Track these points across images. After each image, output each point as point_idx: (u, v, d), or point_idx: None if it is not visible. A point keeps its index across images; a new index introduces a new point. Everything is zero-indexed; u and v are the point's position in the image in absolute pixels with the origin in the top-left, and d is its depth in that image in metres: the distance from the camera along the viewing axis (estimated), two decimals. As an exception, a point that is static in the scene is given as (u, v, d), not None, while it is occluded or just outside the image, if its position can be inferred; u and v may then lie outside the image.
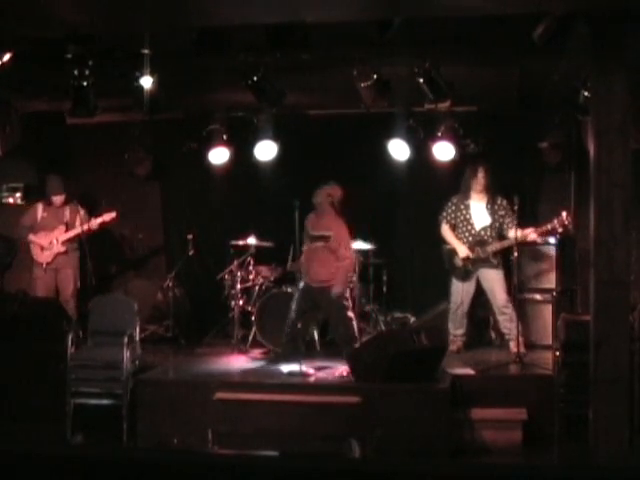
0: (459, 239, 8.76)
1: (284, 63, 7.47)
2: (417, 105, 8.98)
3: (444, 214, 8.83)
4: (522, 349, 8.41)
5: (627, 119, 6.17)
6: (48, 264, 9.39)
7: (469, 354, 8.69)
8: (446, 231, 8.82)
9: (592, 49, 6.27)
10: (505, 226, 8.61)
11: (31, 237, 9.46)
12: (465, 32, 6.92)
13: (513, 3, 6.14)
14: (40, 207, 9.54)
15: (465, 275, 8.70)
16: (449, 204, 8.83)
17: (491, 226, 8.68)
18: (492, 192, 8.72)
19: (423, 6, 6.24)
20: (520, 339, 8.40)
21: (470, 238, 8.72)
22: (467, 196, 8.76)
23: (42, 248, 9.41)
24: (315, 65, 7.72)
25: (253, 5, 6.09)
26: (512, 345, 8.52)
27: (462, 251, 8.68)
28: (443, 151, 9.11)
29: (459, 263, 8.71)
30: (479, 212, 8.72)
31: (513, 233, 8.42)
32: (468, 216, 8.74)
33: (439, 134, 9.08)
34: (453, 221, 8.80)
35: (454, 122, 9.06)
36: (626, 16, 6.03)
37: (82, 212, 9.52)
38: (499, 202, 8.68)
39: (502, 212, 8.65)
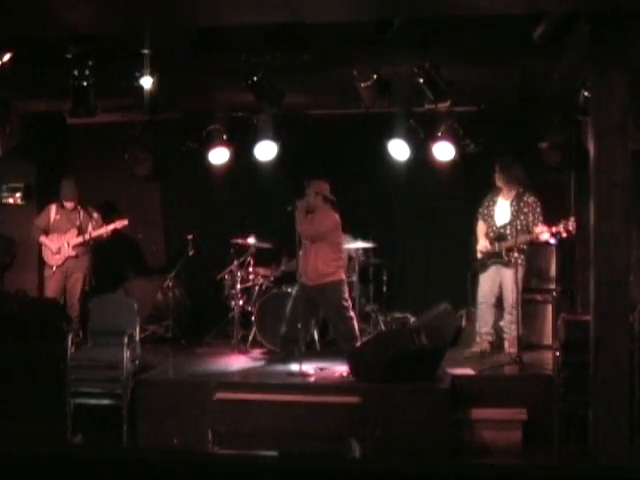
0: (485, 234, 8.73)
1: (284, 63, 7.46)
2: (417, 105, 8.97)
3: (480, 209, 8.82)
4: (514, 349, 8.45)
5: (627, 119, 6.17)
6: (58, 267, 9.41)
7: (482, 355, 8.67)
8: (478, 227, 8.80)
9: (592, 49, 6.27)
10: (530, 223, 8.53)
11: (43, 239, 9.46)
12: (465, 32, 6.92)
13: (513, 3, 6.13)
14: (54, 209, 9.54)
15: (481, 267, 8.69)
16: (485, 200, 8.81)
17: (511, 223, 8.57)
18: (520, 188, 8.66)
19: (423, 6, 6.24)
20: (515, 341, 8.44)
21: (492, 234, 8.70)
22: (497, 192, 8.75)
23: (52, 251, 9.42)
24: (315, 65, 7.71)
25: (253, 5, 6.09)
26: (506, 345, 8.59)
27: (483, 245, 8.67)
28: (443, 151, 9.11)
29: (479, 256, 8.72)
30: (502, 209, 8.68)
31: (537, 230, 8.42)
32: (492, 212, 8.72)
33: (439, 134, 9.09)
34: (484, 217, 8.79)
35: (454, 122, 9.06)
36: (626, 16, 6.03)
37: (96, 216, 9.56)
38: (525, 199, 8.58)
39: (527, 209, 8.56)
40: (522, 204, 8.62)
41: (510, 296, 8.57)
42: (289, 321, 8.29)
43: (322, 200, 8.29)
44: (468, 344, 8.85)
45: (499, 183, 8.69)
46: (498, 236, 8.66)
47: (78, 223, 9.44)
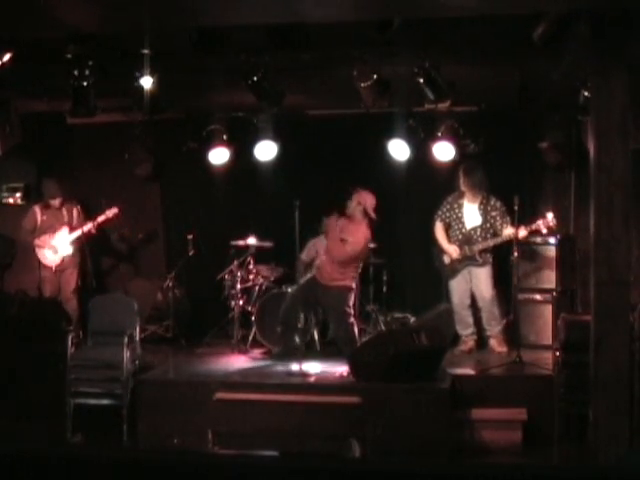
0: (450, 237, 8.88)
1: (284, 63, 7.47)
2: (417, 105, 8.97)
3: (439, 212, 8.95)
4: (504, 347, 8.62)
5: (627, 119, 6.17)
6: (57, 266, 9.42)
7: (469, 354, 8.71)
8: (438, 231, 8.93)
9: (592, 49, 6.27)
10: (498, 227, 8.70)
11: (37, 242, 9.47)
12: (465, 32, 6.92)
13: (513, 3, 6.13)
14: (38, 210, 9.56)
15: (452, 273, 8.83)
16: (444, 203, 8.96)
17: (481, 226, 8.77)
18: (485, 192, 8.78)
19: (423, 6, 6.24)
20: (501, 337, 8.69)
21: (460, 236, 8.85)
22: (460, 195, 8.88)
23: (52, 251, 9.42)
24: (315, 65, 7.72)
25: (253, 5, 6.09)
26: (492, 343, 8.69)
27: (453, 251, 8.80)
28: (443, 151, 9.12)
29: (447, 261, 8.84)
30: (471, 212, 8.83)
31: (507, 231, 8.55)
32: (460, 215, 8.86)
33: (439, 134, 9.09)
34: (447, 220, 8.91)
35: (454, 122, 9.06)
36: (626, 16, 6.03)
37: (78, 208, 9.60)
38: (492, 203, 8.77)
39: (494, 213, 8.73)
40: (489, 207, 8.78)
41: (486, 293, 8.72)
42: (284, 318, 8.30)
43: (361, 213, 8.22)
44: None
45: (463, 187, 8.83)
46: (467, 239, 8.74)
47: (67, 220, 9.49)
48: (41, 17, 6.25)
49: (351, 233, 8.21)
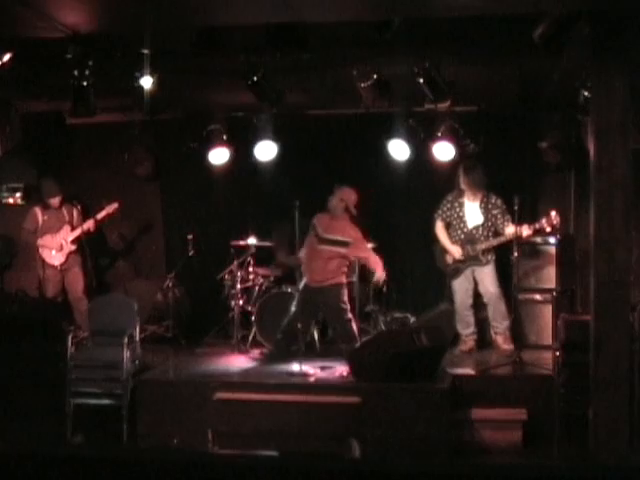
0: (452, 237, 8.86)
1: (284, 63, 7.46)
2: (417, 105, 8.97)
3: (439, 212, 8.93)
4: (510, 345, 8.60)
5: (627, 119, 6.18)
6: (62, 264, 9.43)
7: (469, 354, 8.71)
8: (440, 230, 8.92)
9: (592, 49, 6.28)
10: (500, 225, 8.68)
11: (40, 242, 9.49)
12: (465, 32, 6.91)
13: (513, 3, 6.13)
14: (39, 210, 9.58)
15: (455, 273, 8.82)
16: (444, 201, 8.94)
17: (483, 225, 8.76)
18: (485, 191, 8.77)
19: (423, 6, 6.24)
20: (507, 334, 8.66)
21: (462, 236, 8.83)
22: (460, 194, 8.86)
23: (55, 250, 9.44)
24: (315, 65, 7.71)
25: (253, 5, 6.09)
26: (498, 339, 8.69)
27: (456, 252, 8.78)
28: (443, 151, 9.11)
29: (449, 260, 8.82)
30: (472, 211, 8.82)
31: (509, 230, 8.52)
32: (462, 214, 8.83)
33: (439, 134, 9.09)
34: (448, 219, 8.90)
35: (454, 122, 9.06)
36: (626, 16, 6.03)
37: (78, 208, 9.61)
38: (493, 201, 8.75)
39: (495, 211, 8.72)
40: (490, 206, 8.77)
41: (492, 289, 8.73)
42: (290, 319, 8.31)
43: (342, 209, 8.26)
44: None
45: (463, 185, 8.82)
46: (470, 238, 8.73)
47: (68, 219, 9.52)
48: (41, 17, 6.25)
49: (346, 233, 8.22)
